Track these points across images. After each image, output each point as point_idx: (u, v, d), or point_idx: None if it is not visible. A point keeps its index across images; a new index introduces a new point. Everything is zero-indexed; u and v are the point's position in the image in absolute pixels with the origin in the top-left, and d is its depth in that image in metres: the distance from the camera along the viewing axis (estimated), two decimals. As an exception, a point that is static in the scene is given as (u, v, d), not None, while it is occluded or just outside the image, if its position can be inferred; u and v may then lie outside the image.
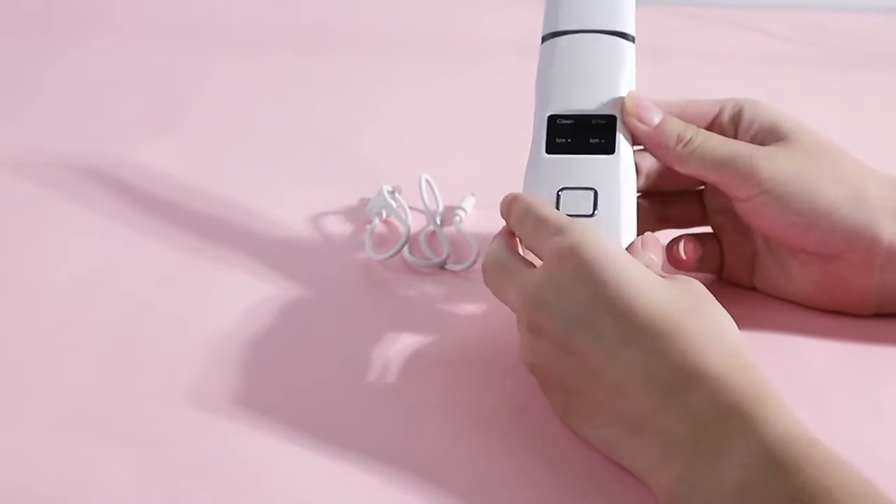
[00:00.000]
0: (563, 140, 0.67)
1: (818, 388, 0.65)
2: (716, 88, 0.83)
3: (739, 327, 0.60)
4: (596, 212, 0.65)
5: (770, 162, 0.66)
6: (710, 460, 0.54)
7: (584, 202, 0.65)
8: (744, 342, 0.59)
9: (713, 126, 0.70)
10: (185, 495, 0.58)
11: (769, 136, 0.68)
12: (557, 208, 0.65)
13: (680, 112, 0.70)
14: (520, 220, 0.64)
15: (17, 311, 0.71)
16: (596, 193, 0.65)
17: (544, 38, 0.70)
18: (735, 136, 0.69)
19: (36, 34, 1.02)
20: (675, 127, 0.67)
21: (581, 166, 0.66)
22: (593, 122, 0.67)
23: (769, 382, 0.57)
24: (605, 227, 0.63)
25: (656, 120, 0.67)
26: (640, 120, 0.67)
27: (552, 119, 0.67)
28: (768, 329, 0.69)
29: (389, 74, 0.98)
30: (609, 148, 0.66)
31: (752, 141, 0.68)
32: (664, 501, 0.56)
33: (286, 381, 0.65)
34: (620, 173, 0.66)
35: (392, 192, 0.79)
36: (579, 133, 0.67)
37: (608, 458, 0.59)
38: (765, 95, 0.94)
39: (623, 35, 0.70)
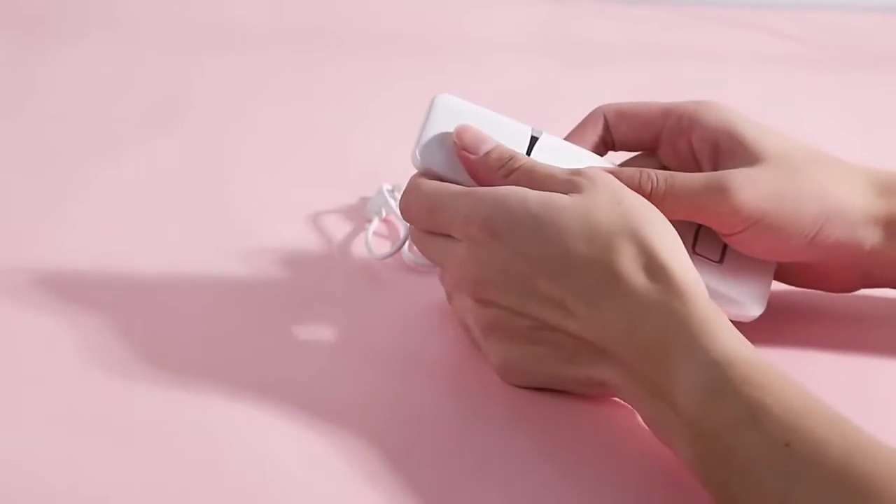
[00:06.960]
0: None
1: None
2: (716, 88, 0.83)
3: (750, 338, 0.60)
4: None
5: (747, 193, 0.63)
6: (663, 396, 0.57)
7: None
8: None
9: (662, 135, 0.67)
10: (182, 490, 0.58)
11: (729, 150, 0.65)
12: None
13: (627, 125, 0.68)
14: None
15: (15, 308, 0.71)
16: None
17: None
18: (688, 147, 0.66)
19: (34, 33, 1.02)
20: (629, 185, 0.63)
21: None
22: None
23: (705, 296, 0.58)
24: None
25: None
26: None
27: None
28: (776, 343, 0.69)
29: (389, 74, 0.98)
30: None
31: (711, 152, 0.65)
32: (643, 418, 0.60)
33: (285, 380, 0.65)
34: None
35: (392, 191, 0.79)
36: None
37: (601, 442, 0.61)
38: (764, 95, 0.95)
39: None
